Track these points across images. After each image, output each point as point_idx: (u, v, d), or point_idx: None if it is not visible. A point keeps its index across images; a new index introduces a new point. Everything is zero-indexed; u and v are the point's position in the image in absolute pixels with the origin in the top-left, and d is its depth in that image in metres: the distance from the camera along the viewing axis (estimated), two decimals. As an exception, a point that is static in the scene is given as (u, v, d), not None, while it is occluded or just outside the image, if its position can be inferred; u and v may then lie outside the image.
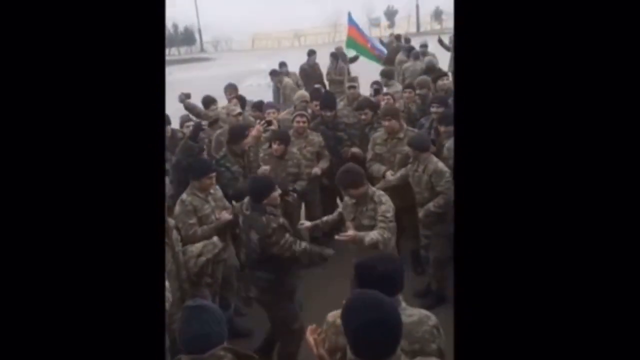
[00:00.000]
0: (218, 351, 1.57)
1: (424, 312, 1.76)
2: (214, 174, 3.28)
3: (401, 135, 3.91)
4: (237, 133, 3.85)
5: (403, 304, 1.74)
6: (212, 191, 3.32)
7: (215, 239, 3.02)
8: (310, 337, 1.73)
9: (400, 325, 1.38)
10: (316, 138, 4.30)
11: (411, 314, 1.72)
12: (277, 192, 3.02)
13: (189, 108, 5.15)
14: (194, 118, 4.92)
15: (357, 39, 7.93)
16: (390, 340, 1.36)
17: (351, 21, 7.91)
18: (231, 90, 5.76)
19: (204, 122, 4.35)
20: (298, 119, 4.26)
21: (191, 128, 3.94)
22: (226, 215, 3.26)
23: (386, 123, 3.89)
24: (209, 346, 1.55)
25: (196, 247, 2.93)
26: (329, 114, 4.46)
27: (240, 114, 4.52)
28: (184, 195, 3.23)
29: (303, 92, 5.36)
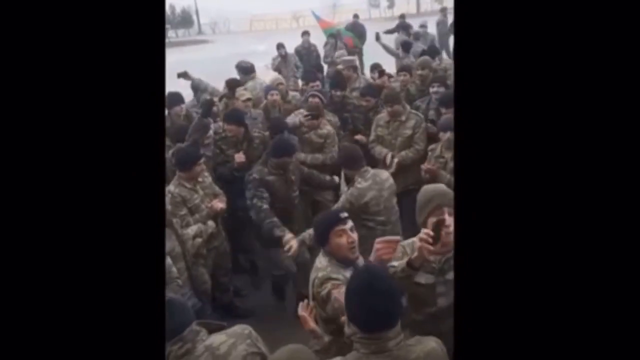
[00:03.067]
0: (194, 327, 1.67)
1: None
2: (202, 160, 3.18)
3: (403, 118, 3.88)
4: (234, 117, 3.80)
5: None
6: (200, 179, 3.21)
7: (208, 222, 3.16)
8: (302, 313, 1.80)
9: (399, 297, 1.45)
10: (332, 119, 4.27)
11: None
12: (291, 160, 3.27)
13: (195, 85, 5.13)
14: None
15: (330, 26, 8.40)
16: (392, 311, 1.42)
17: (317, 17, 8.45)
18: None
19: (215, 98, 4.23)
20: (311, 99, 4.22)
21: (202, 106, 3.80)
22: (219, 205, 3.21)
23: (389, 109, 3.86)
24: (182, 329, 1.65)
25: (191, 229, 3.07)
26: (339, 93, 4.44)
27: (249, 99, 4.38)
28: (171, 187, 3.11)
29: (277, 76, 5.36)
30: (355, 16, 10.65)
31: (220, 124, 3.91)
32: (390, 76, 5.02)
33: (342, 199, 2.98)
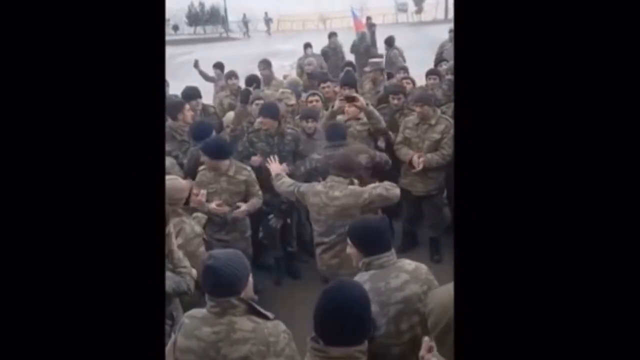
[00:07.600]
0: (233, 300, 1.64)
1: (415, 262, 1.95)
2: (228, 160, 3.22)
3: (432, 121, 3.78)
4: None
5: (395, 257, 1.93)
6: (230, 173, 3.25)
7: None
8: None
9: (367, 315, 1.41)
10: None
11: (409, 262, 1.93)
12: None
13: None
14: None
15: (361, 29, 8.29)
16: (356, 328, 1.40)
17: (355, 16, 8.19)
18: (265, 65, 5.79)
19: (251, 88, 4.30)
20: (310, 97, 4.25)
21: (239, 95, 3.97)
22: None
23: (418, 109, 3.77)
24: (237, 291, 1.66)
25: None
26: (346, 91, 4.38)
27: (291, 106, 4.30)
28: (202, 165, 3.26)
29: (295, 78, 5.40)
30: (369, 18, 10.72)
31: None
32: (407, 77, 5.02)
33: (378, 191, 2.71)
